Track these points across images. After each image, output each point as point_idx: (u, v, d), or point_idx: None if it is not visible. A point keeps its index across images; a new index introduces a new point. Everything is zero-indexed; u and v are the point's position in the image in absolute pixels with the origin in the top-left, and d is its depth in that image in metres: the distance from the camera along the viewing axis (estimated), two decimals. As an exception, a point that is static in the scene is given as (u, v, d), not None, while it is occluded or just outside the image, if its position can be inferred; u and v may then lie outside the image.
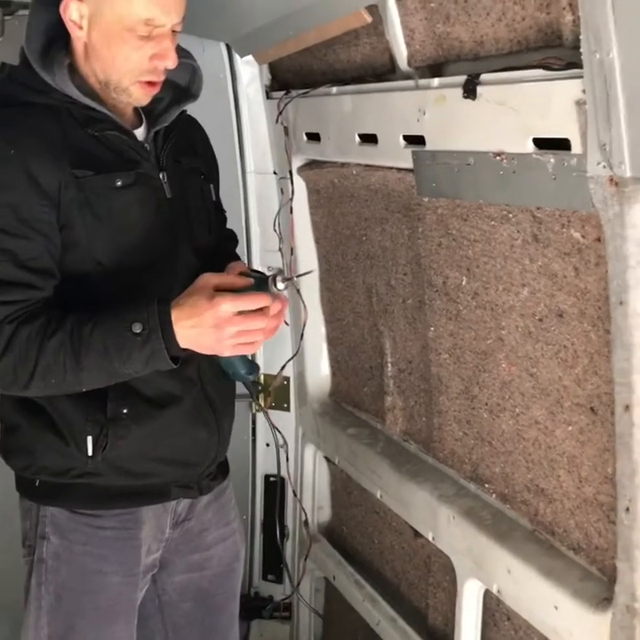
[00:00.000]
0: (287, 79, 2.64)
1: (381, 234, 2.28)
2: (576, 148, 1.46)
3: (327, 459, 2.79)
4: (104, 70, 1.75)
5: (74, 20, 1.72)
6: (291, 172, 2.59)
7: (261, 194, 2.89)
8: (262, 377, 2.88)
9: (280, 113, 2.54)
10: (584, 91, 1.39)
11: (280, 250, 2.78)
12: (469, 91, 1.68)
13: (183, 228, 1.86)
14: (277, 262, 2.80)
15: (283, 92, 2.54)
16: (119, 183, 1.75)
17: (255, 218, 2.92)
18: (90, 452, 1.77)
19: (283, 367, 2.76)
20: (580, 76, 1.39)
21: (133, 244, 1.76)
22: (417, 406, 2.29)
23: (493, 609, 1.98)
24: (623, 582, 1.51)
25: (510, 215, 1.73)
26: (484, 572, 1.93)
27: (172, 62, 1.75)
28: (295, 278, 1.70)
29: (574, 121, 1.43)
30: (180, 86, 1.91)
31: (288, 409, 2.92)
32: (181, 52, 1.84)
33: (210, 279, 1.68)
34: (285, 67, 2.61)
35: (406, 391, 2.33)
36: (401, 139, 1.98)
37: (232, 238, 2.18)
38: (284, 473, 2.80)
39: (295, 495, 2.84)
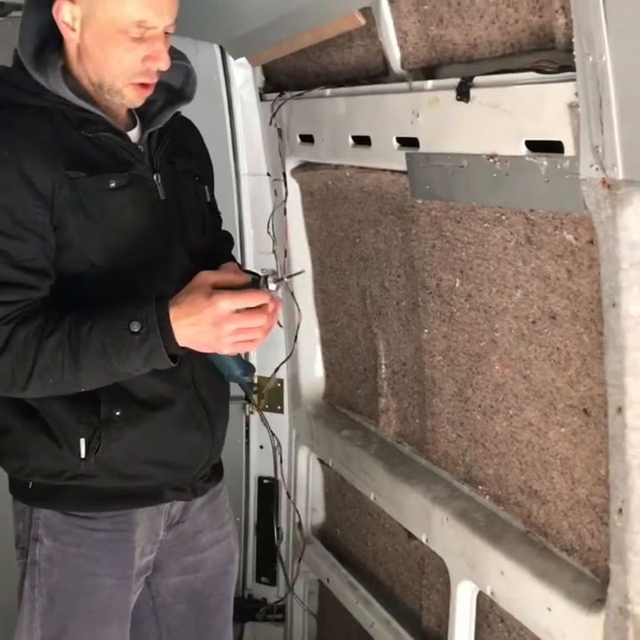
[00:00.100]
0: (281, 81, 2.64)
1: (375, 236, 2.28)
2: (569, 150, 1.46)
3: (321, 461, 2.79)
4: (97, 72, 1.74)
5: (66, 22, 1.71)
6: (284, 174, 2.59)
7: (255, 196, 2.89)
8: (256, 379, 2.88)
9: (274, 115, 2.54)
10: (577, 94, 1.39)
11: (274, 252, 2.78)
12: (463, 93, 1.68)
13: (177, 229, 1.85)
14: (271, 264, 2.80)
15: (276, 94, 2.55)
16: (113, 184, 1.74)
17: (249, 220, 2.92)
18: (82, 455, 1.76)
19: (276, 369, 2.76)
20: (573, 79, 1.40)
21: (127, 246, 1.76)
22: (410, 408, 2.29)
23: (487, 610, 1.99)
24: (616, 584, 1.52)
25: (503, 217, 1.74)
26: (478, 574, 1.93)
27: (164, 64, 1.75)
28: (286, 279, 1.70)
29: (567, 124, 1.44)
30: (174, 88, 1.91)
31: (282, 411, 2.92)
32: (175, 54, 1.84)
33: (208, 277, 1.68)
34: (279, 69, 2.61)
35: (400, 393, 2.34)
36: (394, 141, 1.99)
37: (227, 240, 2.18)
38: (277, 475, 2.80)
39: (289, 497, 2.84)
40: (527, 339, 1.75)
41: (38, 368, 1.65)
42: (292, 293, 2.64)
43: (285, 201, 2.61)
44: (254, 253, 2.93)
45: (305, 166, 2.55)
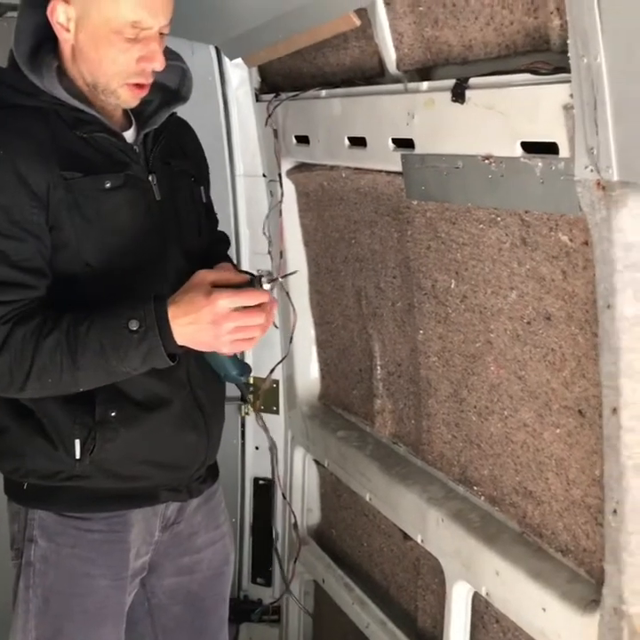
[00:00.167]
0: (276, 82, 2.64)
1: (370, 237, 2.28)
2: (564, 152, 1.46)
3: (316, 461, 2.79)
4: (92, 72, 1.74)
5: (61, 23, 1.71)
6: (280, 175, 2.59)
7: (251, 197, 2.89)
8: (251, 380, 2.88)
9: (269, 116, 2.54)
10: (571, 95, 1.40)
11: (269, 253, 2.78)
12: (458, 94, 1.68)
13: (173, 230, 1.85)
14: (267, 265, 2.80)
15: (272, 95, 2.55)
16: (108, 185, 1.74)
17: (244, 221, 2.92)
18: (77, 455, 1.76)
19: (272, 370, 2.76)
20: (568, 81, 1.40)
21: (122, 246, 1.76)
22: (406, 409, 2.29)
23: (482, 611, 1.99)
24: (611, 584, 1.52)
25: (499, 218, 1.74)
26: (473, 575, 1.93)
27: (159, 64, 1.74)
28: (280, 279, 1.70)
29: (562, 125, 1.44)
30: (170, 88, 1.91)
31: (277, 412, 2.92)
32: (171, 55, 1.84)
33: (206, 276, 1.68)
34: (275, 70, 2.61)
35: (395, 394, 2.34)
36: (390, 142, 1.99)
37: (223, 241, 2.18)
38: (273, 476, 2.80)
39: (284, 498, 2.84)
40: (522, 340, 1.75)
41: (36, 368, 1.65)
42: (288, 294, 2.64)
43: (281, 202, 2.61)
44: (250, 254, 2.93)
45: (300, 167, 2.55)
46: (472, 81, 1.67)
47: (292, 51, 2.37)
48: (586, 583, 1.66)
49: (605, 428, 1.49)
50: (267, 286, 1.69)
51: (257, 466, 3.02)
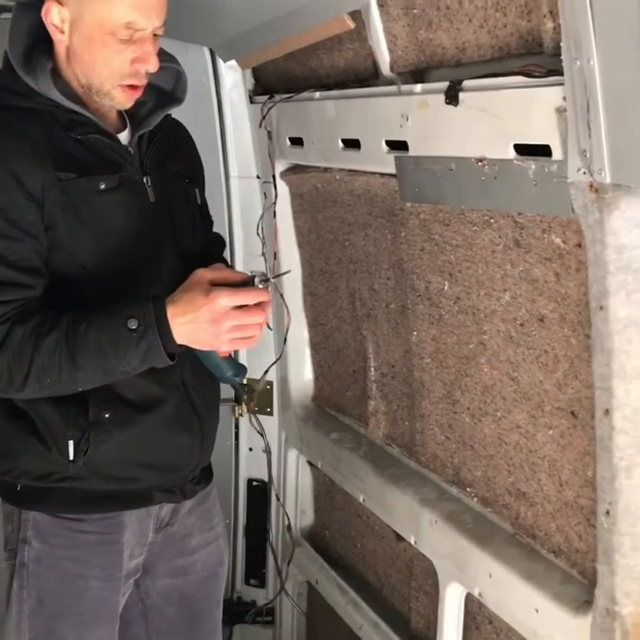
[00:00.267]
0: (270, 84, 2.64)
1: (364, 239, 2.29)
2: (557, 154, 1.47)
3: (310, 463, 2.79)
4: (86, 74, 1.74)
5: (55, 25, 1.71)
6: (274, 177, 2.60)
7: (245, 198, 2.89)
8: (245, 381, 2.88)
9: (263, 117, 2.54)
10: (565, 98, 1.40)
11: (263, 254, 2.78)
12: (451, 97, 1.69)
13: (167, 232, 1.85)
14: (260, 266, 2.80)
15: (266, 97, 2.55)
16: (102, 186, 1.74)
17: (238, 222, 2.92)
18: (71, 457, 1.76)
19: (266, 371, 2.76)
20: (561, 84, 1.40)
21: (117, 248, 1.76)
22: (399, 410, 2.30)
23: (475, 612, 1.99)
24: (603, 585, 1.52)
25: (492, 220, 1.74)
26: (466, 576, 1.93)
27: (153, 66, 1.75)
28: (272, 279, 1.71)
29: (555, 128, 1.45)
30: (165, 90, 1.91)
31: (271, 413, 2.92)
32: (165, 57, 1.84)
33: (204, 274, 1.68)
34: (269, 71, 2.61)
35: (389, 395, 2.34)
36: (384, 144, 1.99)
37: (219, 242, 2.18)
38: (267, 477, 2.80)
39: (278, 499, 2.84)
40: (515, 341, 1.75)
41: (35, 368, 1.65)
42: (282, 296, 2.64)
43: (275, 203, 2.61)
44: (244, 256, 2.93)
45: (294, 169, 2.55)
46: (465, 83, 1.67)
47: (286, 52, 2.37)
48: (578, 584, 1.66)
49: (598, 430, 1.49)
50: (260, 286, 1.69)
51: (250, 467, 3.02)
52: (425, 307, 2.05)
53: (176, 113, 1.96)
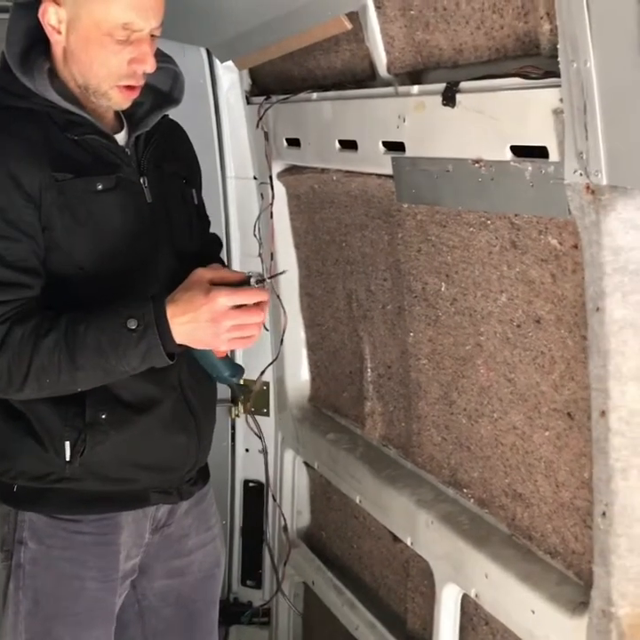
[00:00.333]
0: (267, 85, 2.64)
1: (361, 239, 2.29)
2: (553, 156, 1.47)
3: (306, 464, 2.79)
4: (83, 74, 1.74)
5: (52, 25, 1.71)
6: (271, 178, 2.59)
7: (241, 199, 2.89)
8: (242, 381, 2.88)
9: (260, 118, 2.54)
10: (561, 99, 1.40)
11: (260, 255, 2.78)
12: (448, 98, 1.69)
13: (164, 232, 1.85)
14: (257, 267, 2.80)
15: (263, 98, 2.55)
16: (100, 187, 1.74)
17: (235, 223, 2.92)
18: (68, 458, 1.76)
19: (262, 372, 2.76)
20: (558, 85, 1.40)
21: (114, 249, 1.76)
22: (396, 411, 2.30)
23: (471, 613, 1.99)
24: (599, 587, 1.52)
25: (488, 222, 1.74)
26: (462, 577, 1.93)
27: (150, 67, 1.74)
28: (268, 280, 1.72)
29: (552, 129, 1.45)
30: (162, 91, 1.91)
31: (267, 414, 2.92)
32: (163, 57, 1.85)
33: (203, 274, 1.68)
34: (266, 72, 2.61)
35: (385, 396, 2.34)
36: (381, 145, 1.99)
37: (216, 242, 2.18)
38: (263, 478, 2.80)
39: (274, 500, 2.84)
40: (512, 342, 1.75)
41: (34, 368, 1.65)
42: (278, 296, 2.64)
43: (272, 204, 2.61)
44: (240, 256, 2.93)
45: (291, 170, 2.55)
46: (462, 85, 1.67)
47: (283, 53, 2.37)
48: (575, 585, 1.66)
49: (594, 431, 1.49)
50: (256, 287, 1.70)
51: (247, 468, 3.02)
52: (422, 308, 2.05)
53: (173, 113, 1.96)
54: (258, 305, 1.67)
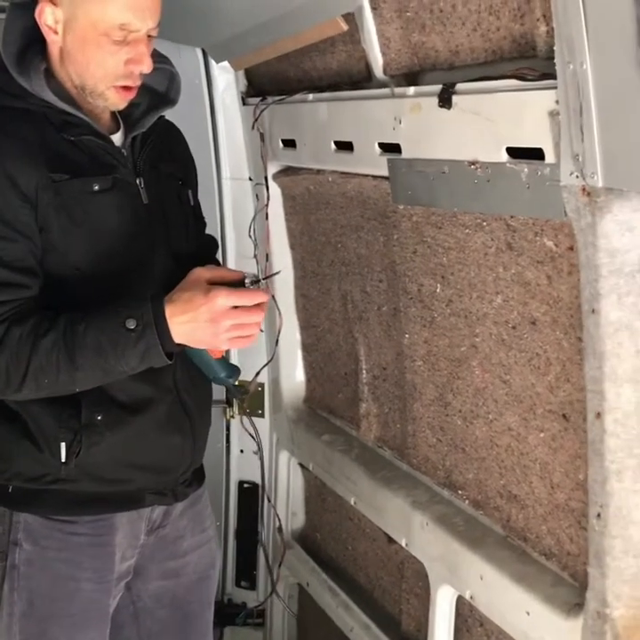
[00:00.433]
0: (263, 85, 2.64)
1: (357, 241, 2.29)
2: (549, 157, 1.47)
3: (301, 465, 2.79)
4: (79, 75, 1.74)
5: (49, 25, 1.71)
6: (266, 179, 2.60)
7: (237, 200, 2.89)
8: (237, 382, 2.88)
9: (256, 119, 2.54)
10: (557, 101, 1.40)
11: (255, 256, 2.78)
12: (445, 100, 1.69)
13: (161, 233, 1.85)
14: (252, 268, 2.80)
15: (259, 99, 2.55)
16: (96, 187, 1.74)
17: (230, 224, 2.92)
18: (63, 459, 1.76)
19: (257, 373, 2.76)
20: (554, 87, 1.40)
21: (110, 249, 1.76)
22: (391, 413, 2.30)
23: (466, 615, 1.99)
24: (594, 588, 1.52)
25: (484, 223, 1.75)
26: (457, 578, 1.93)
27: (147, 67, 1.74)
28: (263, 280, 1.72)
29: (548, 131, 1.45)
30: (158, 92, 1.91)
31: (262, 415, 2.92)
32: (159, 58, 1.84)
33: (202, 273, 1.68)
34: (261, 73, 2.61)
35: (381, 398, 2.34)
36: (376, 146, 1.99)
37: (212, 243, 2.18)
38: (258, 479, 2.80)
39: (269, 501, 2.84)
40: (507, 344, 1.76)
41: (33, 368, 1.65)
42: (274, 297, 2.64)
43: (267, 205, 2.61)
44: (236, 257, 2.93)
45: (287, 171, 2.55)
46: (459, 86, 1.67)
47: (278, 54, 2.37)
48: (570, 587, 1.66)
49: (589, 433, 1.49)
50: (250, 288, 1.70)
51: (242, 469, 3.02)
52: (417, 309, 2.05)
53: (168, 114, 1.96)
54: (257, 304, 1.67)
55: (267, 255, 2.66)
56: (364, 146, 2.04)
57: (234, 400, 2.92)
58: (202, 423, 1.94)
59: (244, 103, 2.72)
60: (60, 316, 1.67)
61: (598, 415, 1.45)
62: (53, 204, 1.70)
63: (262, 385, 2.89)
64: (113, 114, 1.85)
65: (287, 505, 2.84)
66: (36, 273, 1.71)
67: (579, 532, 1.63)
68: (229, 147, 2.85)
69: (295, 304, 2.71)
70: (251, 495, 2.98)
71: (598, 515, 1.49)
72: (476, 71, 1.68)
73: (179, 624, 2.02)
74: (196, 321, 1.64)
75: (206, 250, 2.09)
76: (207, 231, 2.17)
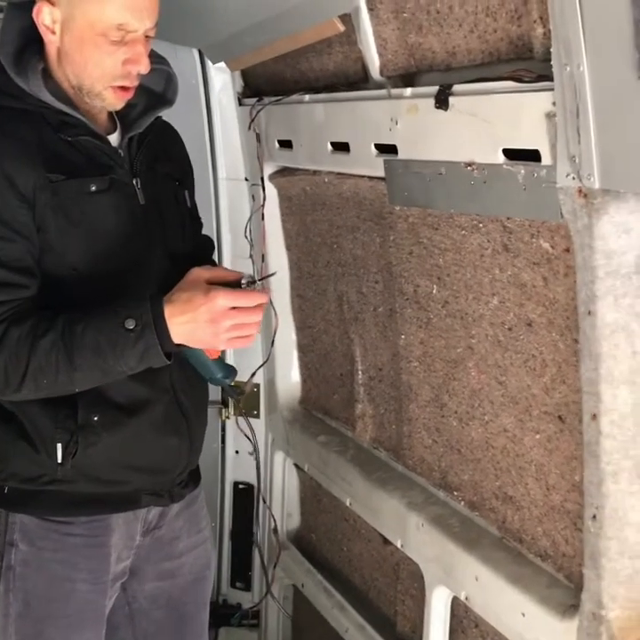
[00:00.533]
0: (259, 86, 2.64)
1: (353, 242, 2.29)
2: (546, 159, 1.47)
3: (297, 466, 2.79)
4: (77, 75, 1.74)
5: (47, 25, 1.71)
6: (262, 179, 2.59)
7: (233, 200, 2.89)
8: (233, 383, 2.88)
9: (252, 120, 2.54)
10: (554, 103, 1.41)
11: (251, 257, 2.78)
12: (441, 101, 1.69)
13: (157, 233, 1.85)
14: (248, 269, 2.80)
15: (255, 99, 2.55)
16: (93, 188, 1.74)
17: (226, 224, 2.92)
18: (59, 459, 1.75)
19: (253, 374, 2.76)
20: (551, 89, 1.41)
21: (107, 250, 1.76)
22: (387, 414, 2.30)
23: (461, 616, 1.99)
24: (590, 589, 1.53)
25: (481, 225, 1.75)
26: (453, 580, 1.93)
27: (144, 67, 1.74)
28: (258, 282, 1.72)
29: (544, 133, 1.45)
30: (155, 92, 1.90)
31: (258, 416, 2.92)
32: (156, 59, 1.84)
33: (201, 273, 1.68)
34: (258, 74, 2.61)
35: (376, 399, 2.34)
36: (373, 147, 1.99)
37: (208, 244, 2.18)
38: (253, 480, 2.79)
39: (264, 502, 2.84)
40: (503, 345, 1.76)
41: (32, 368, 1.65)
42: (269, 298, 2.64)
43: (263, 206, 2.61)
44: (232, 258, 2.93)
45: (283, 171, 2.55)
46: (455, 88, 1.68)
47: (275, 55, 2.37)
48: (565, 588, 1.66)
49: (585, 434, 1.50)
50: (246, 289, 1.70)
51: (237, 470, 3.02)
52: (413, 310, 2.05)
53: (165, 114, 1.96)
54: (257, 305, 1.67)
55: (263, 256, 2.66)
56: (361, 147, 2.04)
57: (229, 400, 2.92)
58: (198, 424, 1.94)
59: (241, 104, 2.72)
60: (58, 316, 1.67)
61: (594, 417, 1.46)
62: (51, 205, 1.70)
63: (258, 385, 2.89)
64: (110, 114, 1.85)
65: (282, 506, 2.84)
66: (34, 273, 1.70)
67: (574, 534, 1.63)
68: (226, 147, 2.85)
69: (291, 305, 2.71)
70: (246, 496, 2.98)
71: (594, 516, 1.49)
72: (472, 72, 1.68)
73: (174, 625, 2.02)
74: (195, 321, 1.63)
75: (203, 250, 2.09)
76: (203, 231, 2.17)
